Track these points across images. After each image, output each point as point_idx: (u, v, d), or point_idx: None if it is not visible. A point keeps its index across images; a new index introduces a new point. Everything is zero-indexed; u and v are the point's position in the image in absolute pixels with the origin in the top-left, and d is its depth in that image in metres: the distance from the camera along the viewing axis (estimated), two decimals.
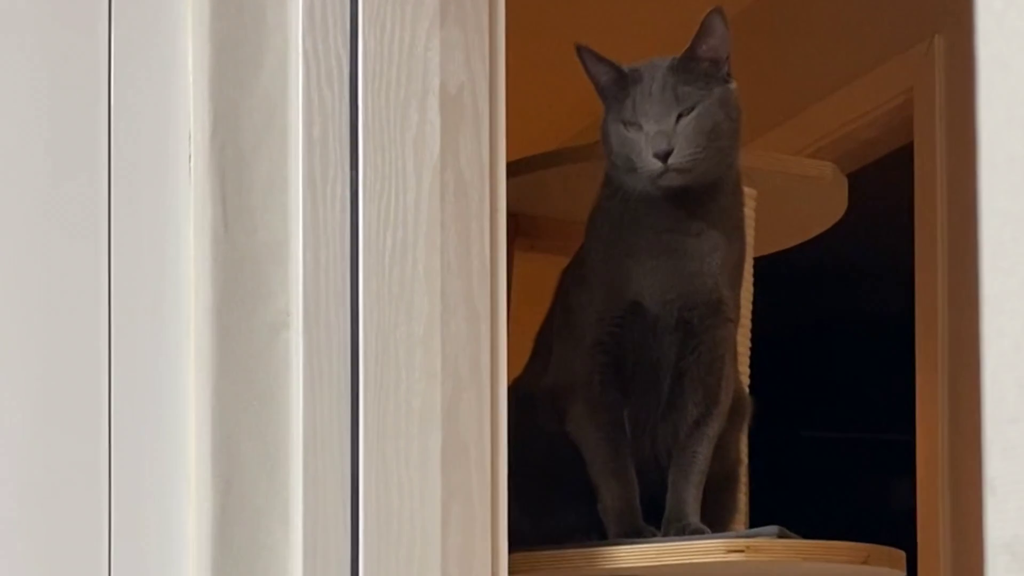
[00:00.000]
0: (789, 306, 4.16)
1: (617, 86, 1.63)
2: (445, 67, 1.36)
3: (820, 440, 5.25)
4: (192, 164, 1.34)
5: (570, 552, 1.61)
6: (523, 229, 2.03)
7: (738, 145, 1.66)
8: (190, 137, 1.34)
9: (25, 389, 1.30)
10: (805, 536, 1.59)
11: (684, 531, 1.60)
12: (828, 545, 1.55)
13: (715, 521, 1.68)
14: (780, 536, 1.55)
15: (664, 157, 1.57)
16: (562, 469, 1.68)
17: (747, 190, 1.82)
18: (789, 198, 1.95)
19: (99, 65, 1.34)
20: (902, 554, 1.64)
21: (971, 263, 3.11)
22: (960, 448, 3.08)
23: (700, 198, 1.62)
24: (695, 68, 1.62)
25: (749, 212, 1.86)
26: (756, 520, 2.11)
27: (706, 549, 1.53)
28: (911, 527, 3.20)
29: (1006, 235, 0.51)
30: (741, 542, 1.52)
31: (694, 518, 1.62)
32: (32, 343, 1.31)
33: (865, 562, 1.59)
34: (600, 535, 1.65)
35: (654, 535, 1.61)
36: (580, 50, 1.64)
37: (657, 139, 1.57)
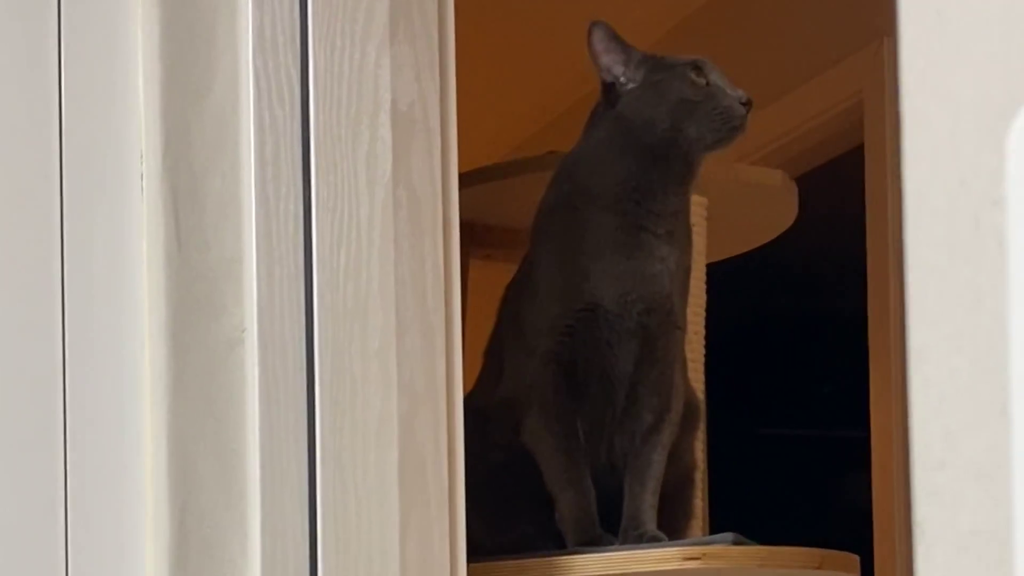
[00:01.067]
0: (744, 307, 4.18)
1: (639, 67, 1.69)
2: (396, 84, 1.37)
3: (778, 437, 5.28)
4: (144, 183, 1.34)
5: (528, 562, 1.62)
6: (478, 238, 2.04)
7: None
8: (141, 156, 1.35)
9: None
10: (762, 540, 1.60)
11: (641, 539, 1.61)
12: (783, 551, 1.57)
13: (672, 527, 1.69)
14: (736, 543, 1.57)
15: (747, 106, 1.68)
16: (518, 481, 1.69)
17: (698, 198, 1.84)
18: (740, 205, 1.97)
19: (48, 84, 1.34)
20: (856, 558, 1.66)
21: None
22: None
23: (669, 198, 1.65)
24: None
25: (699, 220, 1.88)
26: (714, 518, 2.13)
27: (663, 557, 1.55)
28: (868, 522, 3.22)
29: (931, 288, 0.53)
30: (697, 549, 1.53)
31: (651, 525, 1.63)
32: None
33: (820, 567, 1.61)
34: (558, 544, 1.65)
35: (612, 543, 1.62)
36: (596, 26, 1.68)
37: (739, 92, 1.69)
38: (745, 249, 2.16)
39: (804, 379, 5.17)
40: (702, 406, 1.81)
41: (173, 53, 1.34)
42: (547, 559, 1.61)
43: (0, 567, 1.28)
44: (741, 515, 1.62)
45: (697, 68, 1.68)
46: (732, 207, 1.95)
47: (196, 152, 1.34)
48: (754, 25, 3.53)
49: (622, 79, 1.68)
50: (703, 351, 1.93)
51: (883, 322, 3.24)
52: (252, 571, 1.28)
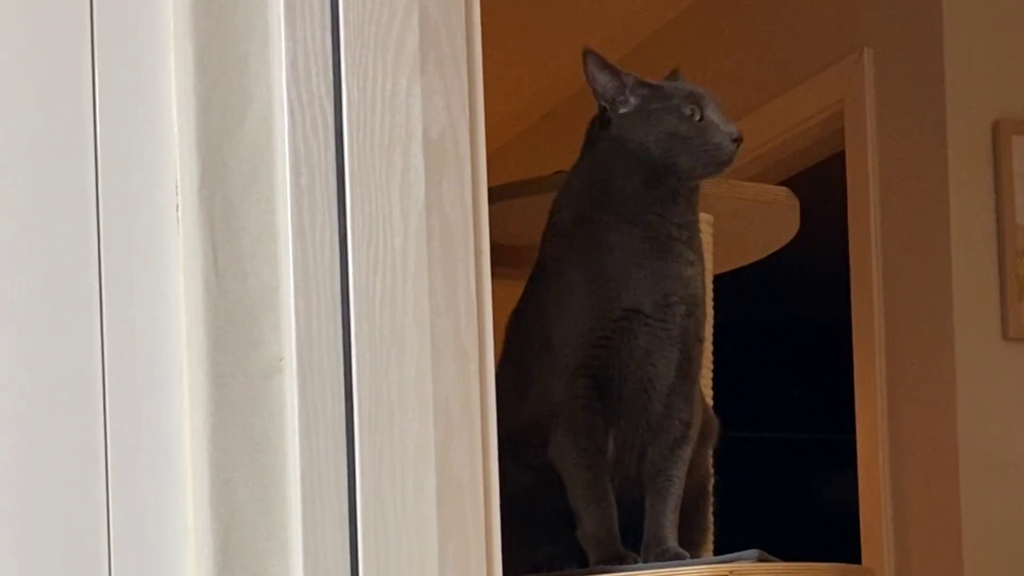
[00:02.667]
0: (726, 311, 4.21)
1: (634, 92, 1.71)
2: (427, 113, 1.38)
3: (747, 440, 5.32)
4: (180, 213, 1.35)
5: None
6: None
7: None
8: (177, 187, 1.36)
9: (16, 442, 1.31)
10: (782, 556, 1.63)
11: (664, 556, 1.63)
12: (807, 567, 1.59)
13: (689, 541, 1.72)
14: (760, 559, 1.59)
15: (738, 143, 1.70)
16: (539, 501, 1.70)
17: (704, 215, 1.86)
18: (745, 221, 1.99)
19: (84, 117, 1.35)
20: (874, 571, 1.69)
21: (904, 266, 3.19)
22: (899, 446, 3.15)
23: (681, 208, 1.68)
24: None
25: (706, 236, 1.90)
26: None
27: (689, 574, 1.57)
28: (840, 522, 3.26)
29: None
30: (724, 567, 1.55)
31: (673, 542, 1.65)
32: (24, 398, 1.32)
33: None
34: (580, 563, 1.67)
35: (635, 561, 1.64)
36: (588, 54, 1.70)
37: (731, 128, 1.70)
38: (748, 262, 2.19)
39: (775, 382, 5.20)
40: (716, 421, 1.84)
41: (207, 85, 1.35)
42: None
43: None
44: (733, 521, 1.65)
45: (694, 101, 1.69)
46: (737, 223, 1.98)
47: (232, 182, 1.35)
48: (738, 33, 3.56)
49: (616, 101, 1.71)
50: (711, 364, 1.95)
51: (867, 326, 3.28)
52: None
